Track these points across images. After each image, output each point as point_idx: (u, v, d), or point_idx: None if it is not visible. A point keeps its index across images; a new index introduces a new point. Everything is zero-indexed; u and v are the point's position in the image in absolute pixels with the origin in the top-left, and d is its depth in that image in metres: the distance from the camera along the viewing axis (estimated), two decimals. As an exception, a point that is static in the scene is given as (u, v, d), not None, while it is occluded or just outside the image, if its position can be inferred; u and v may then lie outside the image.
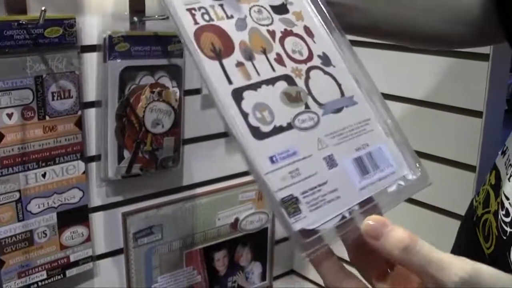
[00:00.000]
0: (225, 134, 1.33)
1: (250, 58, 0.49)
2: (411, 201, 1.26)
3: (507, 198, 0.65)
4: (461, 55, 1.16)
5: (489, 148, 1.17)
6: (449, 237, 0.84)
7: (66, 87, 1.10)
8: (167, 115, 1.20)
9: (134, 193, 1.27)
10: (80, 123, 1.13)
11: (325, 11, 0.56)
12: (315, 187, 0.46)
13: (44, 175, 1.11)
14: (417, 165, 0.51)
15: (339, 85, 0.52)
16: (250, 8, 0.52)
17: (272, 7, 0.54)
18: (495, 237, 0.67)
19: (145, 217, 1.28)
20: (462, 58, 1.16)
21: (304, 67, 0.51)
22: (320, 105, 0.50)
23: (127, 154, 1.18)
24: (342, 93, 0.52)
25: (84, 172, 1.16)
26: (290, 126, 0.47)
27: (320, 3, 0.56)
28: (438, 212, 1.26)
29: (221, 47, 0.49)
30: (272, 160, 0.45)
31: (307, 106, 0.49)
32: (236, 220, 1.43)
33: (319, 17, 0.55)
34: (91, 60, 1.15)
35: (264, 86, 0.48)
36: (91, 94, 1.16)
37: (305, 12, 0.55)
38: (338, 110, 0.50)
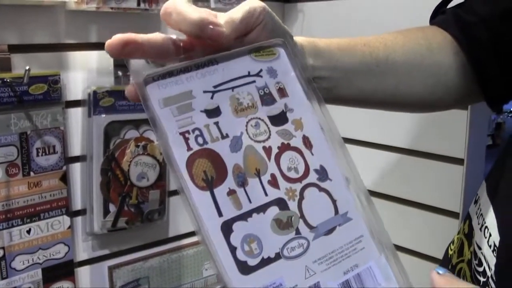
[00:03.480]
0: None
1: (243, 184, 0.47)
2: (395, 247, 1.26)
3: (479, 248, 0.66)
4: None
5: (471, 195, 1.18)
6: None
7: (50, 143, 1.10)
8: (152, 168, 1.21)
9: (120, 246, 1.27)
10: (65, 178, 1.14)
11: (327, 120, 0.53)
12: None
13: (28, 231, 1.10)
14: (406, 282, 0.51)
15: (334, 202, 0.50)
16: (248, 122, 0.50)
17: (271, 117, 0.51)
18: None
19: (131, 269, 1.28)
20: (442, 106, 1.18)
21: (298, 186, 0.49)
22: (311, 228, 0.48)
23: (112, 208, 1.18)
24: (336, 211, 0.50)
25: (69, 227, 1.16)
26: (278, 256, 0.46)
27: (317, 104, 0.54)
28: (421, 258, 1.26)
29: (214, 175, 0.46)
30: None
31: (297, 232, 0.47)
32: (223, 269, 1.43)
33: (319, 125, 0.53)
34: (76, 115, 1.16)
35: (255, 215, 0.47)
36: (76, 149, 1.17)
37: (305, 119, 0.52)
38: (330, 231, 0.49)
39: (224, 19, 0.51)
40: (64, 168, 1.13)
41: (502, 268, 0.61)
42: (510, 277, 0.60)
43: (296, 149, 0.51)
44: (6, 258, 1.08)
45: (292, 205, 0.48)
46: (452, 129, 1.18)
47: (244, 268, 0.44)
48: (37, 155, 1.09)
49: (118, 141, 1.16)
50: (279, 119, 0.51)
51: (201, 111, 0.48)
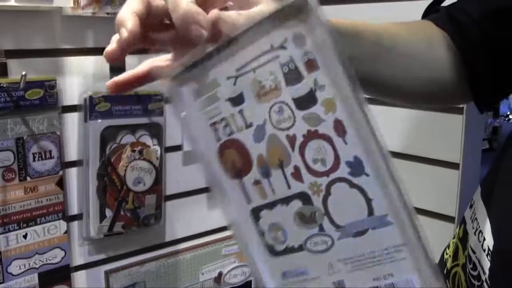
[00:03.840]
0: (206, 189, 1.34)
1: (267, 175, 0.46)
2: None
3: (474, 252, 0.67)
4: (436, 108, 1.19)
5: (467, 199, 1.18)
6: None
7: (47, 148, 1.10)
8: (148, 173, 1.21)
9: (116, 251, 1.27)
10: (61, 183, 1.14)
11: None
12: None
13: (25, 236, 1.10)
14: None
15: (368, 201, 0.43)
16: (271, 108, 0.45)
17: (296, 100, 0.44)
18: None
19: (128, 274, 1.28)
20: (437, 111, 1.18)
21: (325, 181, 0.44)
22: (337, 227, 0.44)
23: (109, 212, 1.18)
24: (371, 212, 0.43)
25: (65, 232, 1.16)
26: (301, 248, 0.46)
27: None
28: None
29: (241, 165, 0.46)
30: (284, 275, 0.46)
31: (321, 228, 0.44)
32: (220, 274, 1.43)
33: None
34: (72, 120, 1.16)
35: (279, 206, 0.46)
36: (72, 154, 1.17)
37: (340, 97, 0.43)
38: (361, 233, 0.43)
39: (242, 22, 0.48)
40: (61, 173, 1.13)
41: (496, 272, 0.61)
42: (504, 281, 0.60)
43: (324, 137, 0.44)
44: (2, 263, 1.08)
45: (316, 201, 0.44)
46: (448, 133, 1.18)
47: (272, 251, 0.46)
48: (34, 160, 1.09)
49: (114, 146, 1.17)
50: (305, 100, 0.44)
51: (226, 99, 0.46)
